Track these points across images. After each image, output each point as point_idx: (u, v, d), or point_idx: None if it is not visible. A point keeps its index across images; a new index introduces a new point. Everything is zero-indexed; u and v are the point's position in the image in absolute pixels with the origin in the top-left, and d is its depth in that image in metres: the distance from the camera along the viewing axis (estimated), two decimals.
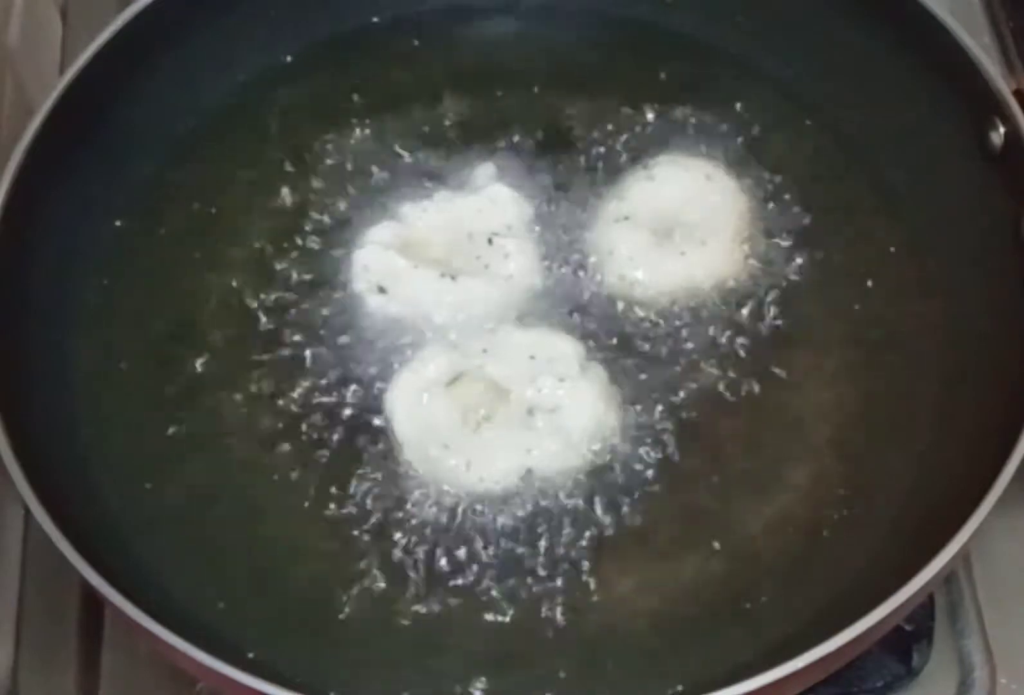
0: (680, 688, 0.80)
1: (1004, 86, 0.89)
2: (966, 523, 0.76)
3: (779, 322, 0.93)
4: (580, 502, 0.87)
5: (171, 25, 0.99)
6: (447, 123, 1.02)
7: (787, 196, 0.97)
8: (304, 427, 0.90)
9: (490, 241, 0.94)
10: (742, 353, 0.92)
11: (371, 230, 0.96)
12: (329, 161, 1.01)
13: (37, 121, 0.92)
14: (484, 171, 0.98)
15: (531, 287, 0.94)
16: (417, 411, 0.88)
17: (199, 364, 0.93)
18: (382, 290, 0.93)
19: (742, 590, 0.84)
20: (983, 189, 0.91)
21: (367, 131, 1.02)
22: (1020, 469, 0.78)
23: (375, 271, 0.93)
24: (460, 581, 0.85)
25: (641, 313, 0.93)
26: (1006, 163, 0.89)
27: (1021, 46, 1.16)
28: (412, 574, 0.85)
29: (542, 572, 0.85)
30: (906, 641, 0.92)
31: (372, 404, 0.90)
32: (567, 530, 0.86)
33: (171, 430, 0.91)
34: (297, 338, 0.93)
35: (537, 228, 0.96)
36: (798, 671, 0.73)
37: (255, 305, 0.95)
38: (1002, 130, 0.89)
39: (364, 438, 0.89)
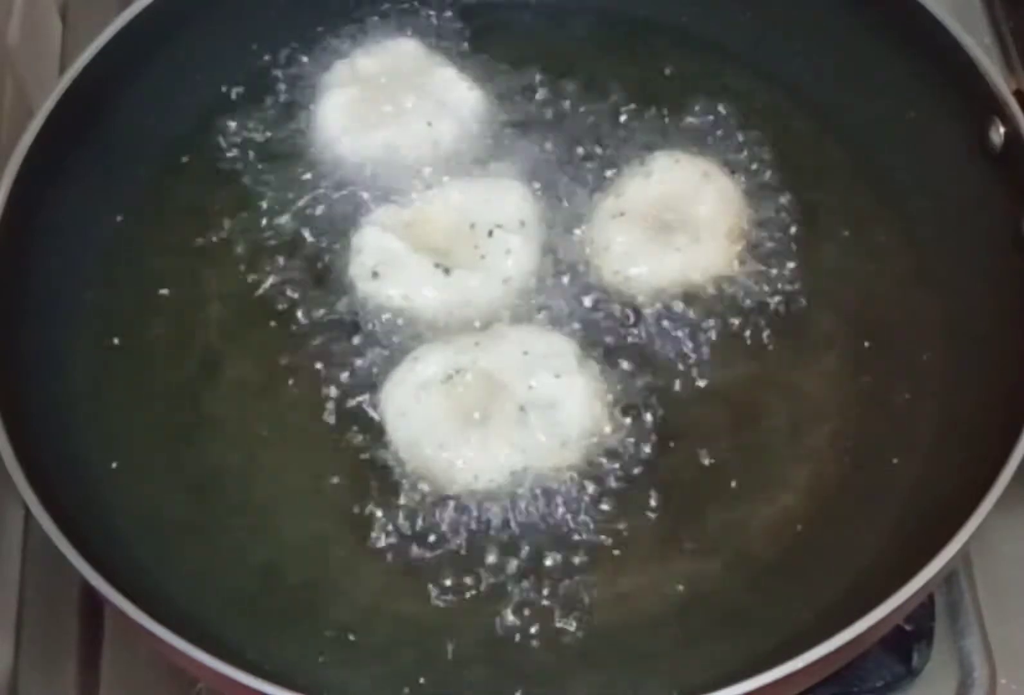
0: (679, 689, 0.80)
1: (1004, 86, 0.90)
2: (966, 523, 0.77)
3: (775, 320, 0.93)
4: (576, 500, 0.86)
5: (171, 25, 0.99)
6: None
7: (784, 194, 0.97)
8: (302, 425, 0.91)
9: (490, 233, 0.94)
10: (738, 350, 0.92)
11: (374, 213, 0.96)
12: (333, 154, 1.01)
13: (37, 121, 0.92)
14: (488, 163, 0.98)
15: (526, 282, 0.94)
16: (411, 410, 0.88)
17: (198, 363, 0.94)
18: (375, 275, 0.93)
19: (741, 590, 0.84)
20: (983, 189, 0.91)
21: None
22: (1020, 469, 0.78)
23: (371, 253, 0.94)
24: (456, 580, 0.84)
25: (637, 309, 0.93)
26: (1006, 163, 0.89)
27: (1021, 46, 1.16)
28: (410, 574, 0.85)
29: (538, 571, 0.84)
30: (906, 641, 0.91)
31: (366, 401, 0.90)
32: (563, 529, 0.86)
33: (170, 429, 0.91)
34: (298, 330, 0.94)
35: (535, 222, 0.96)
36: (798, 671, 0.73)
37: (256, 302, 0.95)
38: (1002, 130, 0.89)
39: (358, 436, 0.89)
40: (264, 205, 0.99)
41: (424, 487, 0.87)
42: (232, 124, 1.03)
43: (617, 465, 0.88)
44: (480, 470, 0.86)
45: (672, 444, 0.88)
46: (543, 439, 0.87)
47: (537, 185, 0.98)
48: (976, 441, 0.84)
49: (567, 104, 1.02)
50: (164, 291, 0.97)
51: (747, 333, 0.93)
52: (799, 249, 0.96)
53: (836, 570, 0.84)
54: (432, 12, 1.07)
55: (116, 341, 0.95)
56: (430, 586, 0.84)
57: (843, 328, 0.93)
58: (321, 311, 0.94)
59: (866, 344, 0.93)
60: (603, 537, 0.86)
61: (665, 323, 0.92)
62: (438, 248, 0.95)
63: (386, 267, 0.93)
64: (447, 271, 0.93)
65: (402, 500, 0.87)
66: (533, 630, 0.83)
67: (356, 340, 0.93)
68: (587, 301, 0.93)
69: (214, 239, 0.98)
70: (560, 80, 1.03)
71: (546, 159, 0.99)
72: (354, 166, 1.00)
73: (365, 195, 0.98)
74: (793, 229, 0.96)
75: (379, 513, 0.87)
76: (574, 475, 0.87)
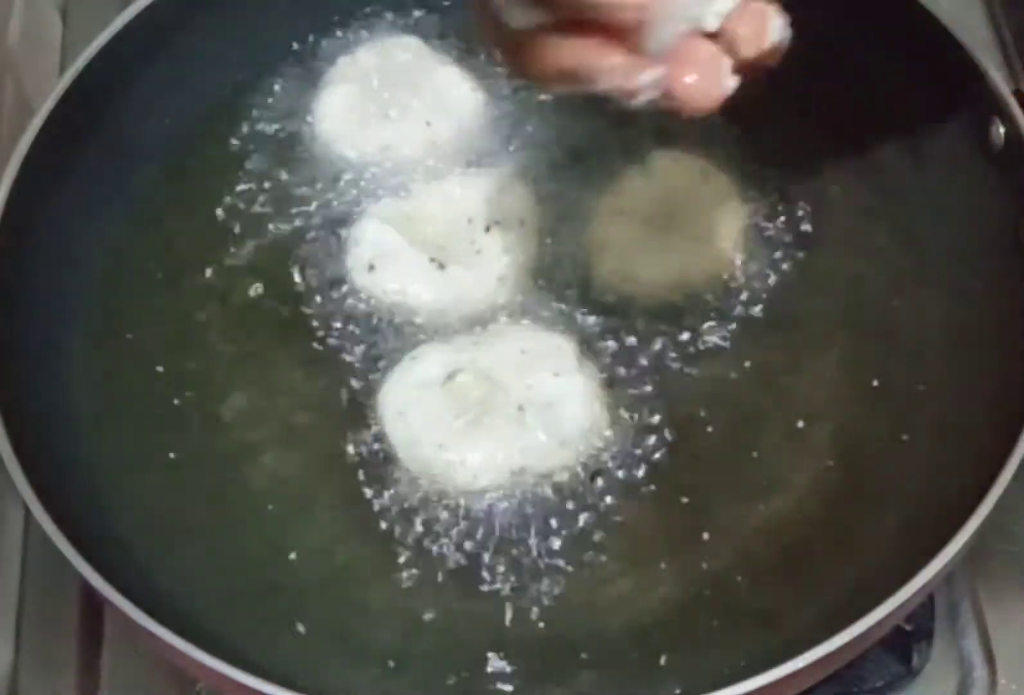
0: (679, 689, 0.80)
1: (1004, 86, 0.89)
2: (966, 523, 0.76)
3: (775, 320, 0.93)
4: (575, 500, 0.87)
5: (171, 25, 0.99)
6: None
7: (783, 194, 0.97)
8: (300, 424, 0.91)
9: (488, 229, 0.94)
10: (737, 350, 0.92)
11: (373, 206, 0.96)
12: (334, 151, 1.00)
13: (37, 121, 0.92)
14: (487, 161, 0.98)
15: (523, 280, 0.94)
16: (409, 410, 0.88)
17: (198, 362, 0.94)
18: (372, 268, 0.93)
19: (740, 590, 0.84)
20: (983, 189, 0.91)
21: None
22: (1020, 469, 0.78)
23: (368, 245, 0.94)
24: (456, 581, 0.85)
25: (634, 308, 0.93)
26: (1006, 163, 0.89)
27: (1021, 46, 1.16)
28: (409, 575, 0.85)
29: (537, 571, 0.85)
30: (906, 641, 0.91)
31: (364, 400, 0.90)
32: (562, 529, 0.86)
33: (171, 429, 0.91)
34: (300, 329, 0.94)
35: (534, 220, 0.96)
36: (798, 671, 0.73)
37: (257, 300, 0.96)
38: (1002, 130, 0.88)
39: (356, 436, 0.89)
40: (265, 203, 0.99)
41: (423, 487, 0.87)
42: (233, 122, 1.03)
43: (616, 465, 0.88)
44: (479, 470, 0.86)
45: (671, 444, 0.88)
46: (542, 439, 0.87)
47: (536, 183, 0.97)
48: (976, 441, 0.84)
49: (567, 104, 1.02)
50: (164, 291, 0.97)
51: (746, 333, 0.93)
52: (797, 248, 0.96)
53: (836, 570, 0.84)
54: (434, 11, 1.07)
55: (117, 341, 0.95)
56: (429, 586, 0.85)
57: (843, 328, 0.93)
58: (320, 308, 0.94)
59: (866, 344, 0.93)
60: (603, 537, 0.86)
61: (664, 323, 0.92)
62: (435, 243, 0.95)
63: (383, 260, 0.93)
64: (442, 266, 0.93)
65: (401, 500, 0.87)
66: (533, 630, 0.83)
67: (354, 338, 0.93)
68: (585, 300, 0.93)
69: (215, 237, 0.98)
70: None
71: (546, 158, 0.99)
72: (355, 163, 1.00)
73: (365, 190, 0.98)
74: (791, 228, 0.96)
75: (378, 513, 0.87)
76: (573, 475, 0.87)
